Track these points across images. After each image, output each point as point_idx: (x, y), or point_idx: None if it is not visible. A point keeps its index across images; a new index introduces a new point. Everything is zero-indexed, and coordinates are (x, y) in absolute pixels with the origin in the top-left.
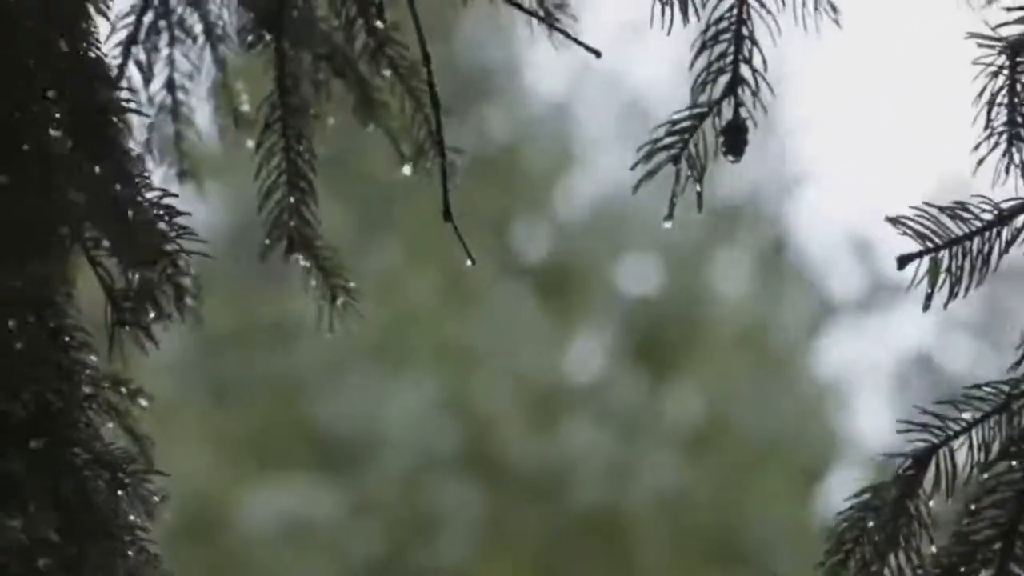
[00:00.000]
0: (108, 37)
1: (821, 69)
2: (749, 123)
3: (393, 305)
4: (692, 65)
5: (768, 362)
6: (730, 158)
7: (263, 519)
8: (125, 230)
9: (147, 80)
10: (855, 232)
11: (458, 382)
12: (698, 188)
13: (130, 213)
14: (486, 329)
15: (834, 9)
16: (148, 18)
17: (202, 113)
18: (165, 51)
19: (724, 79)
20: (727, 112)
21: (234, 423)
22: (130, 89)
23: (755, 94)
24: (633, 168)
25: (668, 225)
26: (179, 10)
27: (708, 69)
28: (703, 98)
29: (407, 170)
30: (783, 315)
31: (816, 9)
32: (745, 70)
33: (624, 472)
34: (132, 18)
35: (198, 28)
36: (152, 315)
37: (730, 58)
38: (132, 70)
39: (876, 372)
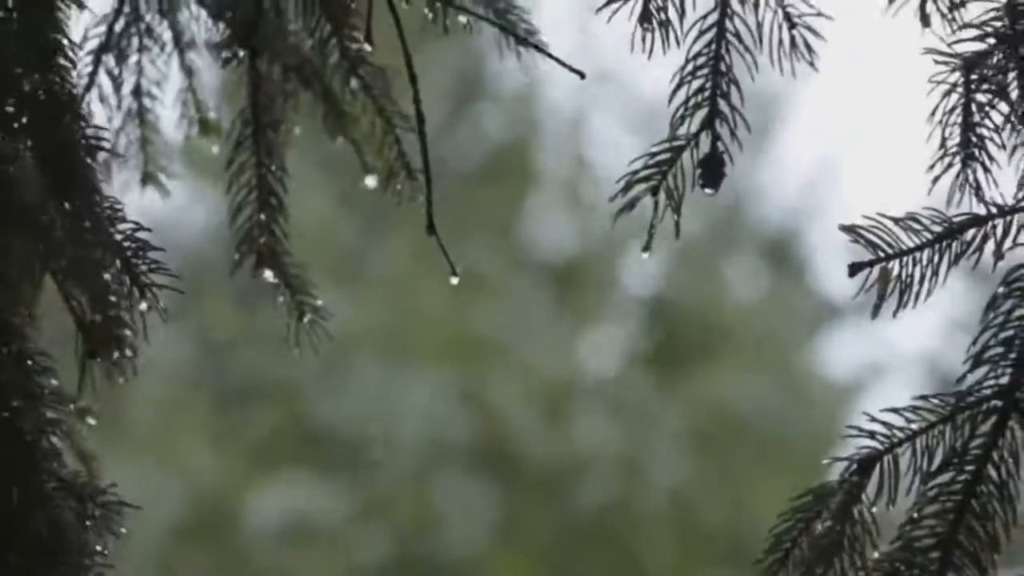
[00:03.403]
0: (80, 44)
1: (822, 72)
2: (726, 156)
3: (404, 301)
4: (671, 100)
5: (777, 362)
6: (707, 191)
7: (271, 519)
8: (92, 283)
9: (117, 88)
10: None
11: (469, 378)
12: (675, 218)
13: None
14: (498, 325)
15: (810, 50)
16: (119, 26)
17: (168, 119)
18: (134, 57)
19: (702, 113)
20: (705, 145)
21: (241, 423)
22: (100, 127)
23: (732, 129)
24: (612, 200)
25: (646, 256)
26: (148, 18)
27: (686, 104)
28: (682, 131)
29: (371, 181)
30: (791, 316)
31: (793, 49)
32: (723, 104)
33: (635, 470)
34: (103, 27)
35: (167, 36)
36: (120, 352)
37: (708, 93)
38: (103, 78)
39: (881, 372)
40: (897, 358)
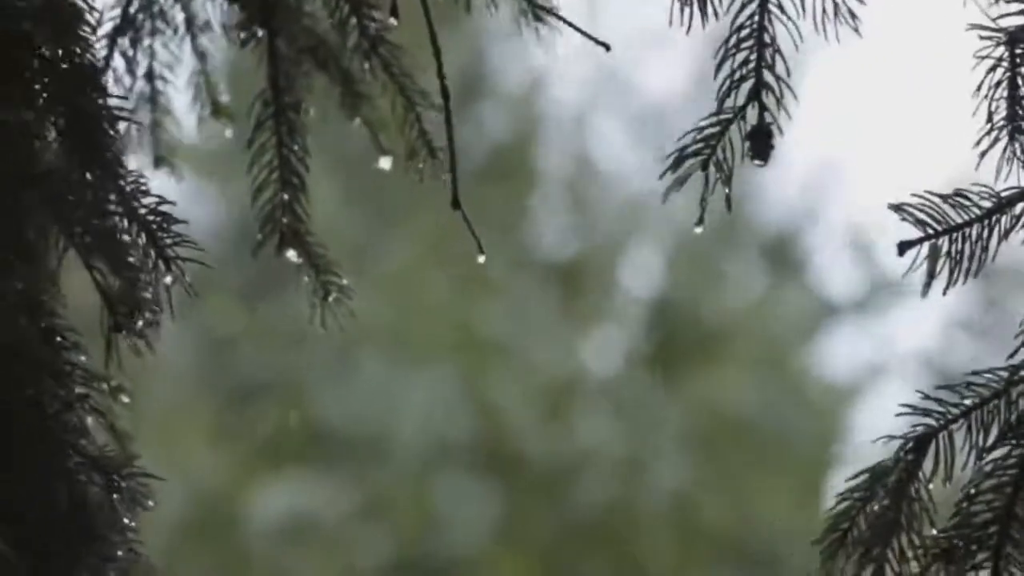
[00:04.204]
0: (95, 29)
1: (822, 71)
2: (774, 128)
3: (406, 300)
4: (716, 74)
5: (777, 362)
6: (757, 162)
7: (273, 517)
8: (113, 250)
9: (131, 71)
10: (860, 232)
11: (471, 377)
12: (727, 191)
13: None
14: (500, 324)
15: (853, 16)
16: (133, 9)
17: (180, 102)
18: (146, 41)
19: (748, 85)
20: (752, 118)
21: (244, 421)
22: (121, 97)
23: (779, 100)
24: (662, 177)
25: (699, 230)
26: (161, 1)
27: (732, 77)
28: (728, 104)
29: (385, 163)
30: (791, 315)
31: (836, 16)
32: (768, 76)
33: (635, 470)
34: (118, 10)
35: (179, 19)
36: (144, 323)
37: (752, 64)
38: (118, 61)
39: (880, 372)
40: (897, 358)
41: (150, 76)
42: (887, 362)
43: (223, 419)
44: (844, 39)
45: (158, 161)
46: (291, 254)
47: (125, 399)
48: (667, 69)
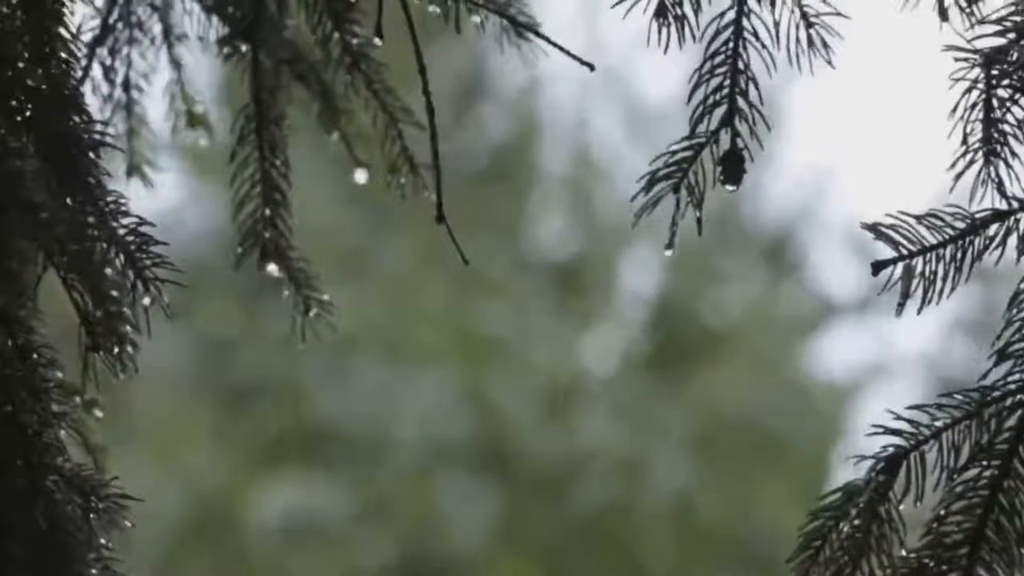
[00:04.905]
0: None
1: (823, 70)
2: (745, 153)
3: (406, 301)
4: (690, 99)
5: (777, 363)
6: (728, 187)
7: (273, 518)
8: (92, 273)
9: (109, 80)
10: (859, 232)
11: (471, 378)
12: (698, 214)
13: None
14: (499, 325)
15: (826, 47)
16: (112, 19)
17: (156, 112)
18: (124, 50)
19: (721, 111)
20: (725, 142)
21: (244, 423)
22: (102, 122)
23: (752, 127)
24: (633, 199)
25: (669, 253)
26: (139, 12)
27: (705, 102)
28: (701, 129)
29: (360, 176)
30: (791, 316)
31: (810, 46)
32: (741, 102)
33: (635, 470)
34: (98, 20)
35: (156, 29)
36: (120, 345)
37: (726, 91)
38: (96, 71)
39: (880, 373)
40: (897, 359)
41: (126, 85)
42: (887, 362)
43: (222, 420)
44: (844, 41)
45: (131, 170)
46: (272, 268)
47: (99, 413)
48: (667, 69)
